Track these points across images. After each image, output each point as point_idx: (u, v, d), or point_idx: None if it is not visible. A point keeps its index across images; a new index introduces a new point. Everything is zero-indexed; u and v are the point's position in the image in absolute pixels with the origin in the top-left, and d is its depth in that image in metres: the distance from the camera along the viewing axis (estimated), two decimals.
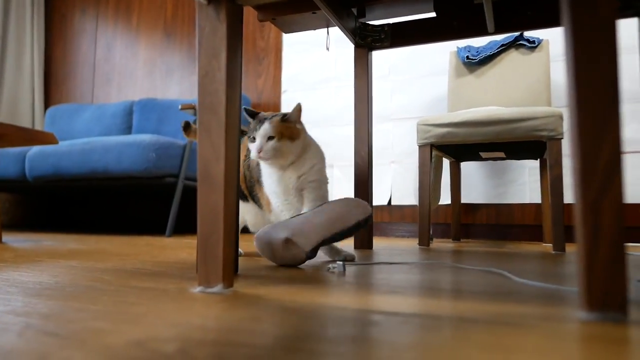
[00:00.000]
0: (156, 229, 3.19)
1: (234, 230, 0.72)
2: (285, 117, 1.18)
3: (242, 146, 1.32)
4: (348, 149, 2.84)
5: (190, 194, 2.96)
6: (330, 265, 1.00)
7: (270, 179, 1.23)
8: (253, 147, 1.16)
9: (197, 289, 0.70)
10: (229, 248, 0.70)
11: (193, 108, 2.45)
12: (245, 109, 1.25)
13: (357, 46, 1.82)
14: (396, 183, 2.71)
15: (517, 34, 2.27)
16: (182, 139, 2.81)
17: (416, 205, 2.62)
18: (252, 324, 0.50)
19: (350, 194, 2.78)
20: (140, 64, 3.60)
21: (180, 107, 2.45)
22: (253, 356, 0.38)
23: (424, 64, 2.72)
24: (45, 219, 3.77)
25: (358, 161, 1.76)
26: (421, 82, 2.72)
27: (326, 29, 1.81)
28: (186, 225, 3.22)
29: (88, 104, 3.49)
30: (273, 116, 1.19)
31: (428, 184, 1.89)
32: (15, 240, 1.88)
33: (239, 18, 0.74)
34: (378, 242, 2.10)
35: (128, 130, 3.27)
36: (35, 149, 2.60)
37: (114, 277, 0.84)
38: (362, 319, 0.53)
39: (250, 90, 3.17)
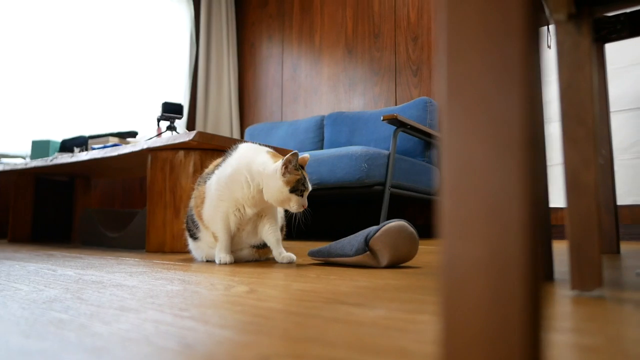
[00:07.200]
0: None
1: (601, 234, 0.74)
2: None
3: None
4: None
5: (393, 201, 3.06)
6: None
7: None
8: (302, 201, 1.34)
9: (573, 293, 0.73)
10: (600, 252, 0.72)
11: (395, 118, 2.55)
12: None
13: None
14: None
15: None
16: (384, 149, 2.93)
17: None
18: None
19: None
20: (324, 81, 3.86)
21: (382, 118, 2.57)
22: None
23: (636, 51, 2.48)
24: None
25: (600, 162, 1.67)
26: (637, 70, 2.48)
27: (546, 26, 1.75)
28: None
29: (281, 122, 3.84)
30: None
31: None
32: None
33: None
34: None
35: (320, 143, 3.52)
36: None
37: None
38: None
39: None
